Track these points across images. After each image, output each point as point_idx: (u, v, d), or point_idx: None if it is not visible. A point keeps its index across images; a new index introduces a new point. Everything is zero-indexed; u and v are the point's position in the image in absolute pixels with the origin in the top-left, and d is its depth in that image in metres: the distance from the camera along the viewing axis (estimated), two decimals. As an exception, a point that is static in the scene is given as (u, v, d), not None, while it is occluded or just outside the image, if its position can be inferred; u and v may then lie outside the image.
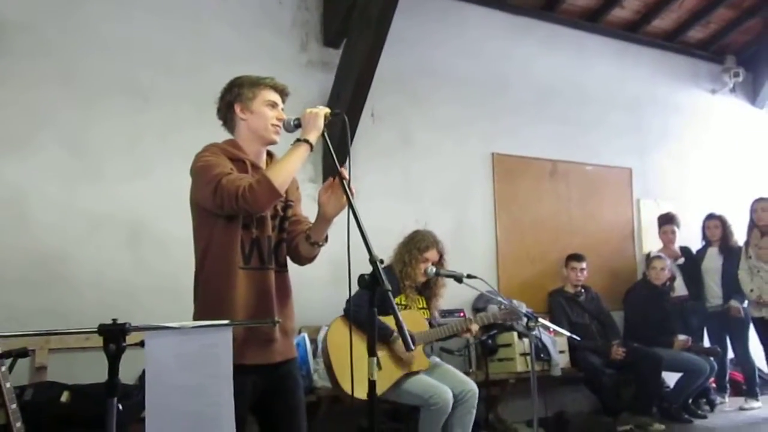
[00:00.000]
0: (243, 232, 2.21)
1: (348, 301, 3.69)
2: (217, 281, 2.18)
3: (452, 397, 3.53)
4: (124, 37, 4.12)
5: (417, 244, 3.87)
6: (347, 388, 3.55)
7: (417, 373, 3.66)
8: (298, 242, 2.36)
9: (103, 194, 3.94)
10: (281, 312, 2.27)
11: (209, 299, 2.20)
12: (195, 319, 2.19)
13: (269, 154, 2.41)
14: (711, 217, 5.94)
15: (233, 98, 2.32)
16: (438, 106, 5.31)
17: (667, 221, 6.06)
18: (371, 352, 1.93)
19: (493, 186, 5.52)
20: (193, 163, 2.24)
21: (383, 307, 1.98)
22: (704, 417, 5.31)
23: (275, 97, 2.34)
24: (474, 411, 3.67)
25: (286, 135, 2.33)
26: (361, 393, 3.27)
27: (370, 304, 1.98)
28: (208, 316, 2.04)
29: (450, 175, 5.30)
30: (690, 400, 5.42)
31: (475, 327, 3.76)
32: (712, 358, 5.38)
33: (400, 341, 3.48)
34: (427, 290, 3.95)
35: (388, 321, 3.49)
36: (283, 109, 2.35)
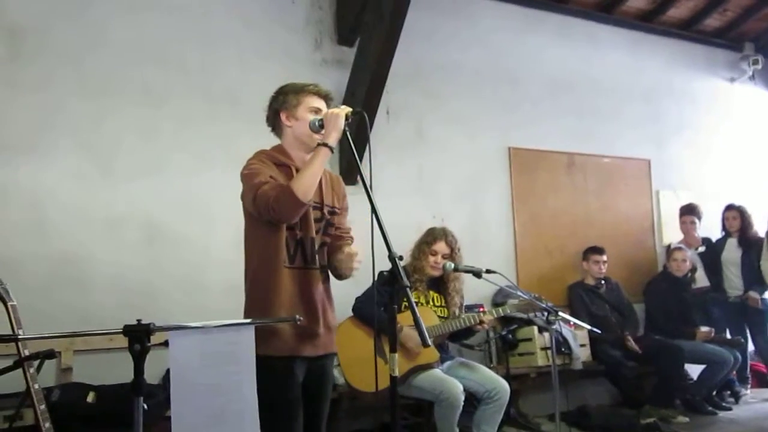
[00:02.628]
0: (288, 233, 2.32)
1: (356, 299, 3.73)
2: (264, 279, 2.30)
3: (462, 391, 3.50)
4: (136, 37, 4.15)
5: (425, 238, 3.90)
6: (356, 384, 3.58)
7: (427, 367, 3.65)
8: (331, 258, 2.45)
9: (119, 195, 3.98)
10: (324, 308, 2.39)
11: (257, 296, 2.32)
12: (245, 315, 2.33)
13: None
14: (730, 207, 5.87)
15: (279, 106, 2.42)
16: (452, 100, 5.30)
17: (687, 212, 6.00)
18: (393, 348, 1.94)
19: (510, 180, 5.50)
20: (242, 168, 2.35)
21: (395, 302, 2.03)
22: (729, 409, 5.25)
23: (319, 103, 2.42)
24: (503, 410, 3.65)
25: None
26: (369, 388, 3.32)
27: (389, 301, 2.00)
28: (256, 313, 2.23)
29: (466, 169, 5.29)
30: (714, 392, 5.36)
31: (487, 317, 3.69)
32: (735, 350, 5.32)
33: (407, 334, 3.50)
34: (444, 285, 3.91)
35: (402, 317, 3.49)
36: None
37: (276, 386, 2.15)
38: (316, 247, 2.38)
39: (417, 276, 3.83)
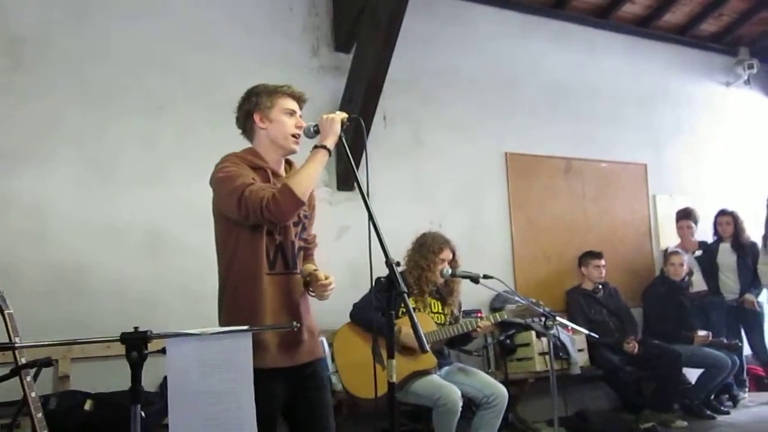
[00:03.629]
0: (267, 239, 2.25)
1: (354, 305, 3.73)
2: (245, 288, 2.22)
3: (461, 397, 3.51)
4: (135, 44, 4.16)
5: (430, 246, 3.87)
6: (354, 391, 3.58)
7: (425, 373, 3.65)
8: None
9: (120, 202, 3.99)
10: (306, 314, 2.34)
11: (237, 306, 2.24)
12: (222, 325, 2.23)
13: (288, 162, 2.44)
14: (723, 213, 5.90)
15: (252, 107, 2.35)
16: (449, 106, 5.31)
17: (684, 216, 6.02)
18: (391, 354, 1.94)
19: (507, 185, 5.51)
20: (213, 173, 2.27)
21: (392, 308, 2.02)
22: (727, 413, 5.25)
23: (293, 105, 2.37)
24: (501, 415, 3.66)
25: (306, 141, 2.36)
26: (367, 394, 3.32)
27: (387, 307, 2.00)
28: (237, 322, 2.05)
29: (463, 175, 5.30)
30: (712, 396, 5.37)
31: (484, 323, 3.71)
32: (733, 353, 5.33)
33: (406, 334, 3.49)
34: (444, 290, 3.92)
35: (400, 323, 3.50)
36: (301, 116, 2.38)
37: (258, 398, 1.93)
38: (296, 251, 2.33)
39: (429, 287, 3.83)
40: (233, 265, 2.26)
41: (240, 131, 2.42)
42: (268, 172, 2.30)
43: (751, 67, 6.87)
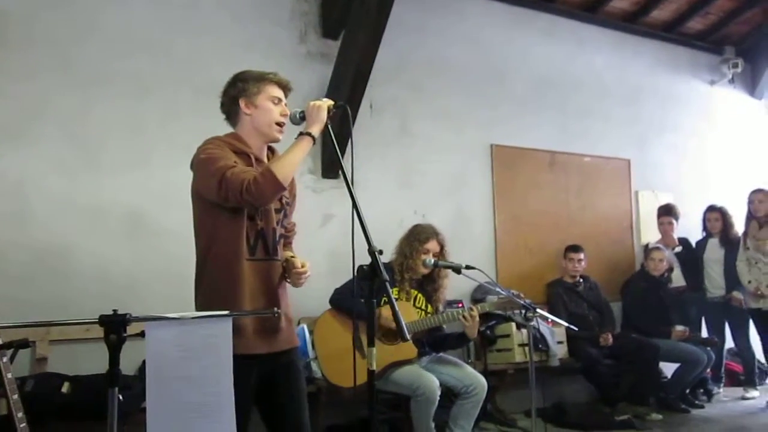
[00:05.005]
0: (248, 224, 2.23)
1: (335, 290, 3.73)
2: (224, 273, 2.20)
3: (439, 387, 3.53)
4: (122, 26, 4.11)
5: (417, 236, 3.87)
6: (334, 380, 3.59)
7: (405, 362, 3.66)
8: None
9: (103, 185, 3.95)
10: (285, 302, 2.33)
11: (215, 290, 2.22)
12: (198, 309, 2.21)
13: (270, 149, 2.43)
14: (712, 209, 5.94)
15: (237, 93, 2.33)
16: (437, 96, 5.31)
17: (665, 212, 6.06)
18: (371, 342, 1.95)
19: (492, 177, 5.52)
20: (195, 155, 2.25)
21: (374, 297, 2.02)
22: (701, 407, 5.33)
23: (279, 92, 2.36)
24: (480, 405, 3.70)
25: (290, 128, 2.35)
26: (347, 382, 3.32)
27: (369, 295, 2.00)
28: (214, 307, 2.05)
29: (449, 165, 5.31)
30: (687, 390, 5.44)
31: (473, 315, 3.66)
32: (709, 349, 5.40)
33: (387, 317, 3.45)
34: (430, 284, 3.90)
35: (380, 310, 3.50)
36: (286, 105, 2.37)
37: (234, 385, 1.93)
38: (277, 238, 2.32)
39: (408, 275, 3.82)
40: (212, 249, 2.24)
41: (224, 117, 2.40)
42: (251, 157, 2.29)
43: (735, 66, 6.92)
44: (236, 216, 2.21)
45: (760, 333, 5.51)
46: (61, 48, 3.93)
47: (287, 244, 2.48)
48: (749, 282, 5.38)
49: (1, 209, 3.67)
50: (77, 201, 3.87)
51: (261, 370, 2.23)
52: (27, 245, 3.70)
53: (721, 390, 5.83)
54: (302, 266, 2.31)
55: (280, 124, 2.33)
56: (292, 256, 2.39)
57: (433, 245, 3.84)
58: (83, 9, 4.02)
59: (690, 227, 6.13)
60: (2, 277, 3.58)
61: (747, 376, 5.75)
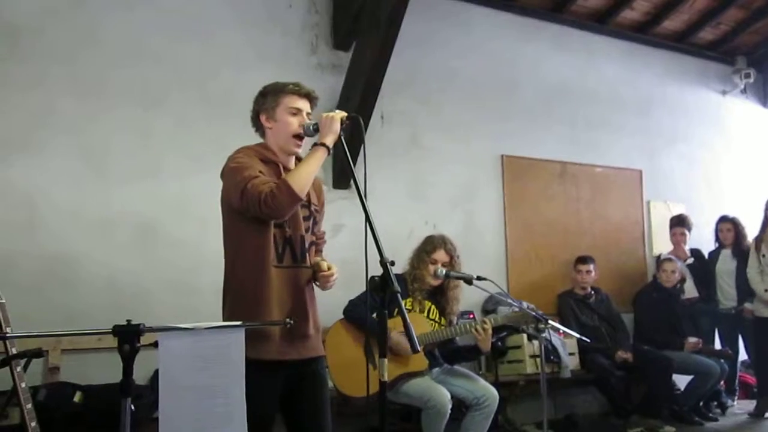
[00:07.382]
0: (276, 231, 2.27)
1: (350, 302, 3.72)
2: (252, 280, 2.23)
3: (450, 399, 3.50)
4: (133, 40, 4.15)
5: (425, 246, 3.86)
6: (345, 389, 3.57)
7: (416, 374, 3.64)
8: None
9: (112, 195, 3.97)
10: (313, 309, 2.35)
11: (243, 297, 2.25)
12: (226, 317, 2.25)
13: (297, 158, 2.44)
14: (724, 219, 5.89)
15: (259, 108, 2.40)
16: (446, 107, 5.31)
17: (678, 223, 6.02)
18: (383, 353, 1.94)
19: (503, 188, 5.52)
20: (225, 164, 2.30)
21: (388, 309, 2.01)
22: (715, 420, 5.27)
23: (299, 103, 2.37)
24: (491, 417, 3.66)
25: (306, 139, 2.37)
26: (357, 392, 3.31)
27: (381, 306, 2.00)
28: (242, 314, 2.11)
29: (459, 176, 5.30)
30: (701, 403, 5.39)
31: (486, 328, 3.61)
32: (722, 361, 5.35)
33: (397, 341, 3.46)
34: (442, 296, 3.86)
35: (393, 322, 3.48)
36: (308, 114, 2.38)
37: (259, 390, 2.02)
38: (306, 245, 2.34)
39: (417, 285, 3.80)
40: (239, 257, 2.27)
41: (254, 130, 2.45)
42: (280, 166, 2.33)
43: (747, 76, 6.89)
44: (263, 223, 2.24)
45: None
46: (71, 62, 3.96)
47: (318, 252, 2.50)
48: (766, 290, 5.30)
49: (11, 219, 3.70)
50: (87, 211, 3.90)
51: (288, 377, 2.26)
52: (37, 255, 3.72)
53: (735, 403, 5.76)
54: (328, 269, 2.33)
55: (298, 137, 2.35)
56: (321, 260, 2.42)
57: (440, 255, 3.82)
58: (91, 20, 4.05)
59: (702, 238, 6.09)
60: (13, 287, 3.58)
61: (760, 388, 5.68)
